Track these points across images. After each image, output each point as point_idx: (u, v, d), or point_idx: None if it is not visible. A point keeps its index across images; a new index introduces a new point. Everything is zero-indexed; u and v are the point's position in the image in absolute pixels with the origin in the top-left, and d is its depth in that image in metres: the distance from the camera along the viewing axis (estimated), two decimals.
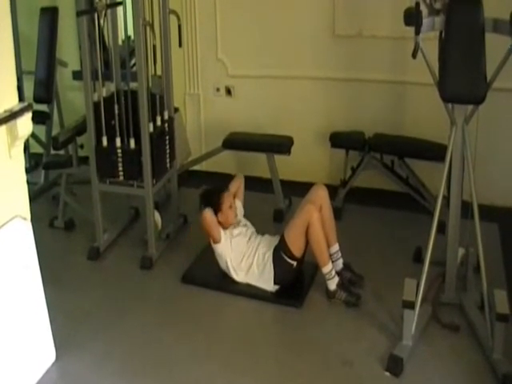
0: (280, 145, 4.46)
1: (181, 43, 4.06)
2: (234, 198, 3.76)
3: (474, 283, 3.30)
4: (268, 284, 3.49)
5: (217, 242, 3.55)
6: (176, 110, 4.35)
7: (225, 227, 3.60)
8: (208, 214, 3.52)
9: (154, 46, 3.66)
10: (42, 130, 4.84)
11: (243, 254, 3.56)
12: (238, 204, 3.81)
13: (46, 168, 4.79)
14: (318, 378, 2.90)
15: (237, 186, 3.85)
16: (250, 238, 3.64)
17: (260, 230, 3.75)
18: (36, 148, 5.08)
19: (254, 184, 4.76)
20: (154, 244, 3.86)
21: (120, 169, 3.71)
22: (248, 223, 3.78)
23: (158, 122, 3.83)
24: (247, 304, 3.46)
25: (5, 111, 2.54)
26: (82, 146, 4.23)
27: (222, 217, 3.60)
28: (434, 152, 4.08)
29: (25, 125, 2.63)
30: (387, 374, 2.88)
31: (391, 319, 3.24)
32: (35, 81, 4.67)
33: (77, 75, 5.06)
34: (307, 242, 3.42)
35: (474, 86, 2.88)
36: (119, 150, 3.67)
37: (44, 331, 2.93)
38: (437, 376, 2.89)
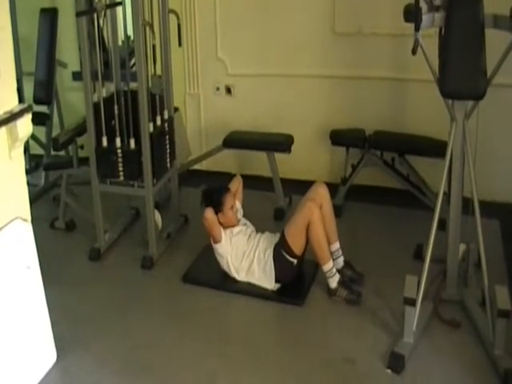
0: (280, 143, 4.46)
1: (180, 43, 4.07)
2: (234, 199, 3.76)
3: (475, 279, 3.31)
4: (269, 282, 3.49)
5: (217, 241, 3.55)
6: (176, 109, 4.36)
7: (225, 227, 3.61)
8: (209, 213, 3.52)
9: (154, 46, 3.66)
10: (42, 132, 4.84)
11: (243, 252, 3.56)
12: (238, 205, 3.81)
13: (46, 169, 4.80)
14: (319, 376, 2.90)
15: (236, 186, 3.85)
16: (249, 236, 3.64)
17: (260, 229, 3.75)
18: (36, 149, 5.08)
19: (254, 182, 4.77)
20: (155, 244, 3.86)
21: (120, 169, 3.71)
22: (248, 222, 3.78)
23: (158, 122, 3.83)
24: (248, 303, 3.47)
25: (5, 113, 2.54)
26: (82, 147, 4.23)
27: (222, 217, 3.60)
28: (435, 149, 4.09)
29: (25, 126, 2.63)
30: (389, 371, 2.88)
31: (392, 316, 3.24)
32: (35, 82, 4.68)
33: (77, 76, 5.07)
34: (307, 240, 3.42)
35: (474, 81, 2.88)
36: (119, 151, 3.67)
37: (45, 332, 2.94)
38: (438, 372, 2.89)
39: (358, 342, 3.12)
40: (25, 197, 2.78)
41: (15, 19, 4.25)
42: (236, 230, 3.64)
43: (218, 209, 3.59)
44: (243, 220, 3.79)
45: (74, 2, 3.74)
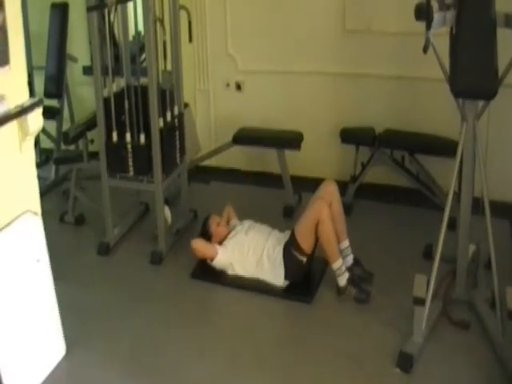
0: (290, 140, 4.45)
1: (191, 39, 4.06)
2: (228, 222, 3.87)
3: (484, 280, 3.28)
4: (278, 279, 3.49)
5: (214, 257, 3.60)
6: (186, 105, 4.35)
7: (221, 241, 3.69)
8: (195, 243, 3.67)
9: (164, 42, 3.68)
10: (52, 126, 4.85)
11: (247, 245, 3.60)
12: (233, 221, 3.90)
13: (56, 163, 4.82)
14: (327, 375, 2.90)
15: (227, 212, 3.95)
16: (247, 230, 3.70)
17: (270, 226, 3.76)
18: (46, 143, 5.10)
19: (263, 179, 4.78)
20: (164, 239, 3.87)
21: (130, 164, 3.71)
22: (242, 221, 3.84)
23: (168, 118, 3.82)
24: (257, 299, 3.46)
25: (16, 107, 2.55)
26: (92, 141, 4.25)
27: (215, 239, 3.72)
28: (445, 148, 4.07)
29: (35, 120, 2.65)
30: (397, 370, 2.87)
31: (401, 316, 3.22)
32: (45, 76, 4.69)
33: (87, 70, 5.07)
34: (317, 238, 3.42)
35: (485, 81, 2.86)
36: (129, 146, 3.68)
37: (55, 325, 2.95)
38: (446, 373, 2.88)
39: (366, 340, 3.11)
40: (35, 190, 2.80)
41: (26, 14, 4.26)
42: (231, 235, 3.72)
43: (208, 235, 3.74)
44: (238, 223, 3.86)
45: None
